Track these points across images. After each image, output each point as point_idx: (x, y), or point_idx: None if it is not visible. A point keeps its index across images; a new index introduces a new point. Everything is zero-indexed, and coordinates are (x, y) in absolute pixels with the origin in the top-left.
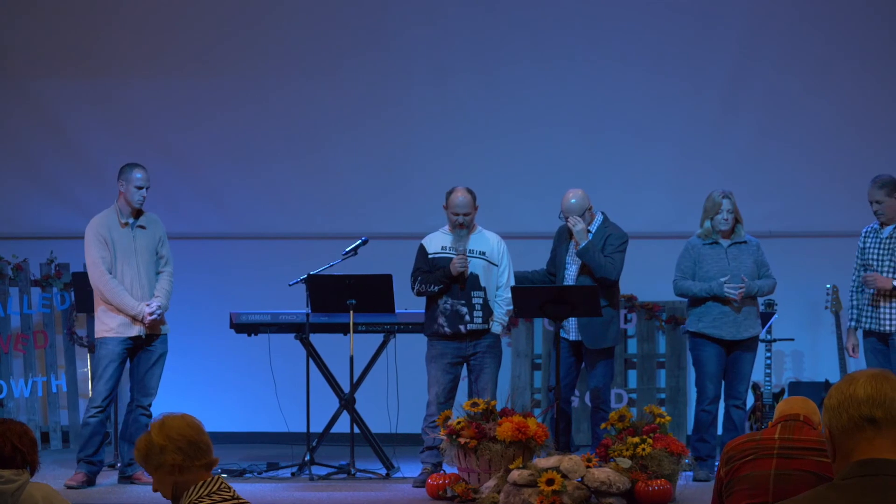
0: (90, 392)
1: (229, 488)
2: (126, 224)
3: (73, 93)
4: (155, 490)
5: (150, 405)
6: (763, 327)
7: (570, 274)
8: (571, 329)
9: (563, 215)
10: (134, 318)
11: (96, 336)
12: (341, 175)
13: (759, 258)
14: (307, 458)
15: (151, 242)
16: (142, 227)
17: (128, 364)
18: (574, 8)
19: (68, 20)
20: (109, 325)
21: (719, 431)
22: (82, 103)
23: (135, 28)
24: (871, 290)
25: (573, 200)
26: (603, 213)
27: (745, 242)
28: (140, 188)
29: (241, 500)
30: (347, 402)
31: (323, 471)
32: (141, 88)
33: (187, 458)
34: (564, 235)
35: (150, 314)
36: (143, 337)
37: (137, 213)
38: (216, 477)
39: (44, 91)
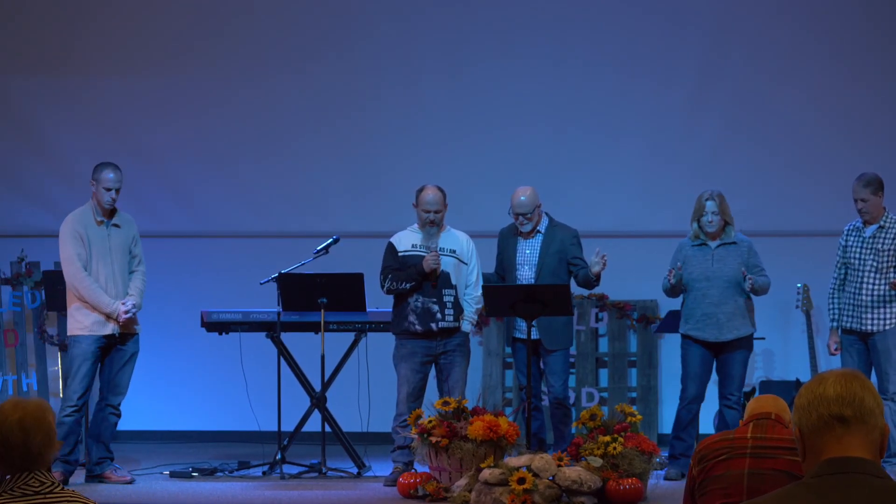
0: (61, 391)
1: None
2: (101, 222)
3: (44, 91)
4: None
5: (119, 404)
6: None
7: (524, 275)
8: (527, 328)
9: (512, 212)
10: (108, 317)
11: (69, 334)
12: (312, 174)
13: (748, 259)
14: (278, 456)
15: (125, 241)
16: (116, 225)
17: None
18: (542, 7)
19: (39, 19)
20: (84, 323)
21: (711, 431)
22: (53, 102)
23: (106, 27)
24: (852, 289)
25: (523, 198)
26: (547, 213)
27: (734, 243)
28: (109, 189)
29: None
30: (318, 401)
31: (294, 469)
32: (112, 88)
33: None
34: (509, 237)
35: (126, 312)
36: (117, 336)
37: (111, 212)
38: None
39: (14, 89)
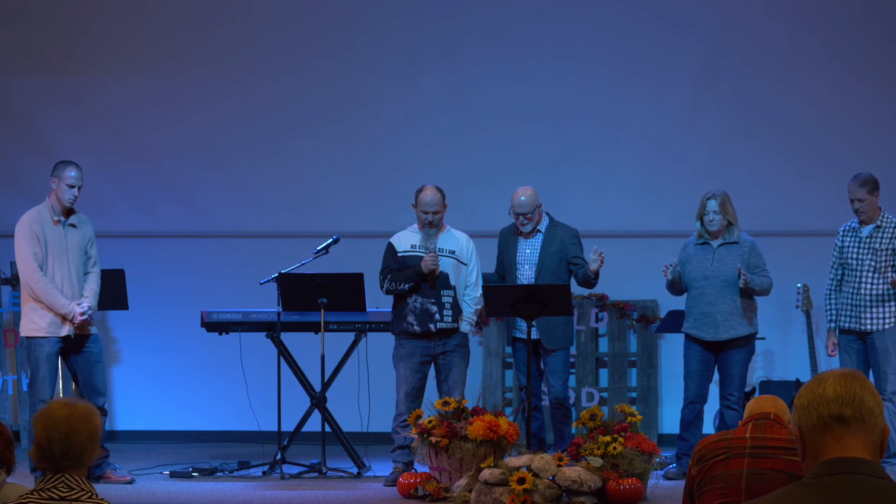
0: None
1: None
2: (58, 222)
3: (44, 91)
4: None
5: (104, 404)
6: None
7: (524, 274)
8: (527, 328)
9: (512, 212)
10: (64, 318)
11: (24, 335)
12: (312, 174)
13: (749, 259)
14: (278, 456)
15: (82, 242)
16: (73, 225)
17: (63, 366)
18: (542, 7)
19: (39, 19)
20: (40, 325)
21: (712, 431)
22: (53, 102)
23: (106, 27)
24: (850, 289)
25: (523, 198)
26: (548, 213)
27: (735, 243)
28: (72, 187)
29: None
30: (318, 401)
31: (294, 469)
32: (112, 88)
33: None
34: (510, 237)
35: (82, 314)
36: (72, 337)
37: (68, 212)
38: None
39: (14, 89)
